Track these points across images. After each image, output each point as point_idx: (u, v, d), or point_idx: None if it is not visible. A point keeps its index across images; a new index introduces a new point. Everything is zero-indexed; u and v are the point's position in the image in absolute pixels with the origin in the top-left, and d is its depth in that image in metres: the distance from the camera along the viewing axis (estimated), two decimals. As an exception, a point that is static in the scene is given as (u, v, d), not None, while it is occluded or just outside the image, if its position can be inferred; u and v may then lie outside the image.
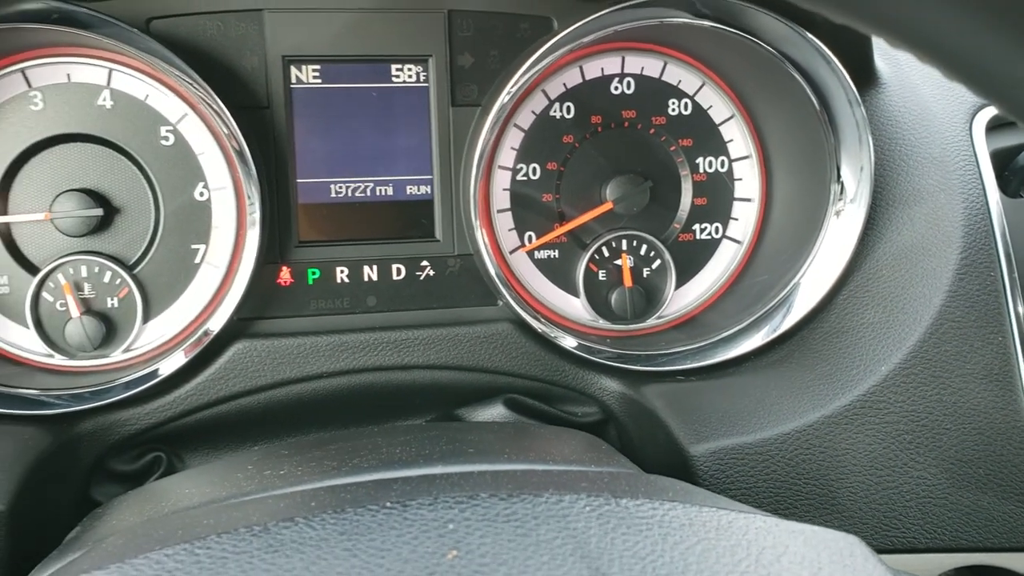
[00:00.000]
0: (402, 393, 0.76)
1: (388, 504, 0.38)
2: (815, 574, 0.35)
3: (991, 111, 0.74)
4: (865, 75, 0.74)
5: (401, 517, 0.37)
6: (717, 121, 0.80)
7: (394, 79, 0.76)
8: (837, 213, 0.74)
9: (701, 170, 0.81)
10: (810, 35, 0.70)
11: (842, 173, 0.73)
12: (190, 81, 0.68)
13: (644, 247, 0.80)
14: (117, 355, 0.73)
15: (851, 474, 0.64)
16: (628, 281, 0.80)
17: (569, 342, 0.75)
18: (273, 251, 0.75)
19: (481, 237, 0.75)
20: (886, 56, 0.75)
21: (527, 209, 0.78)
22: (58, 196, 0.71)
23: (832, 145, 0.74)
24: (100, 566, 0.36)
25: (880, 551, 0.45)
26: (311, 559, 0.34)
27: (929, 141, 0.71)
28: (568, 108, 0.78)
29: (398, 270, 0.77)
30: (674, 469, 0.67)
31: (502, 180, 0.78)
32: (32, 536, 0.62)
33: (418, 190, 0.77)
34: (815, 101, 0.73)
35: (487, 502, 0.38)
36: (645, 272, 0.81)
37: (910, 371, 0.66)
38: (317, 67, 0.74)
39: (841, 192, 0.73)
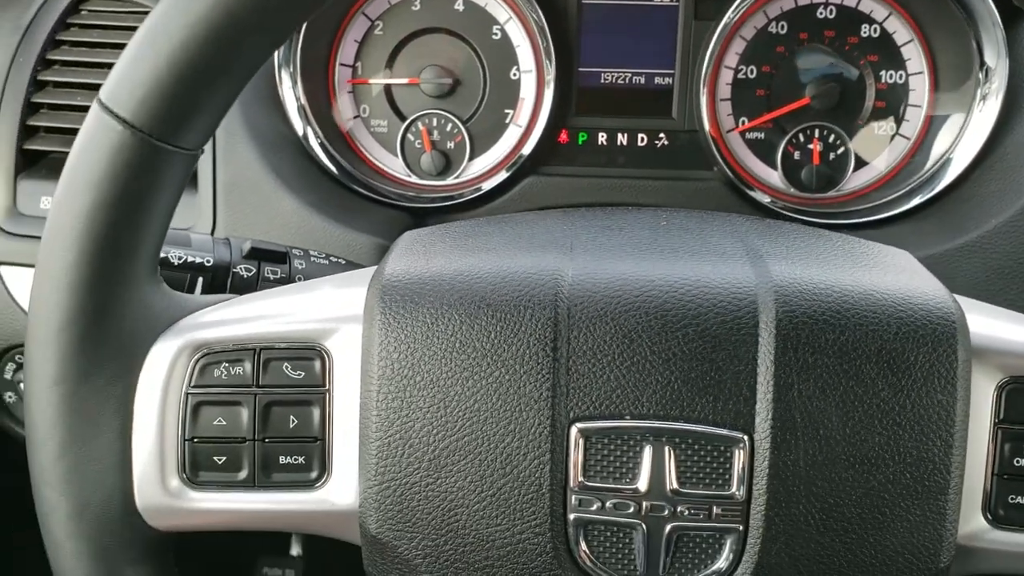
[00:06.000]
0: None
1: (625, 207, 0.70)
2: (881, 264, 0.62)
3: None
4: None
5: (636, 211, 0.69)
6: (899, 43, 1.05)
7: None
8: (984, 97, 0.97)
9: (883, 81, 1.05)
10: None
11: (986, 62, 0.97)
12: (517, -5, 1.02)
13: (832, 136, 1.06)
14: (450, 180, 1.09)
15: (958, 293, 0.88)
16: (816, 160, 1.06)
17: (762, 198, 1.03)
18: (558, 118, 1.07)
19: (706, 118, 1.04)
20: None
21: (743, 100, 1.06)
22: (423, 68, 1.07)
23: (979, 59, 0.97)
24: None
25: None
26: (563, 218, 0.67)
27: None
28: (783, 26, 1.05)
29: (642, 138, 1.08)
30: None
31: (726, 77, 1.06)
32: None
33: (663, 81, 1.07)
34: (968, 26, 0.97)
35: (693, 213, 0.69)
36: (831, 156, 1.06)
37: (1015, 225, 0.89)
38: (601, -11, 1.06)
39: (986, 78, 0.97)
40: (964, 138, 0.99)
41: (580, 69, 1.07)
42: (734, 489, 0.55)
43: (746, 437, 0.54)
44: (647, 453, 0.55)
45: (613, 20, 1.06)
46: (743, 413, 0.54)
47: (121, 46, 1.02)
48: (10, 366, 1.02)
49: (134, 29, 1.05)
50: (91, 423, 0.57)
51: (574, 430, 0.55)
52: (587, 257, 0.60)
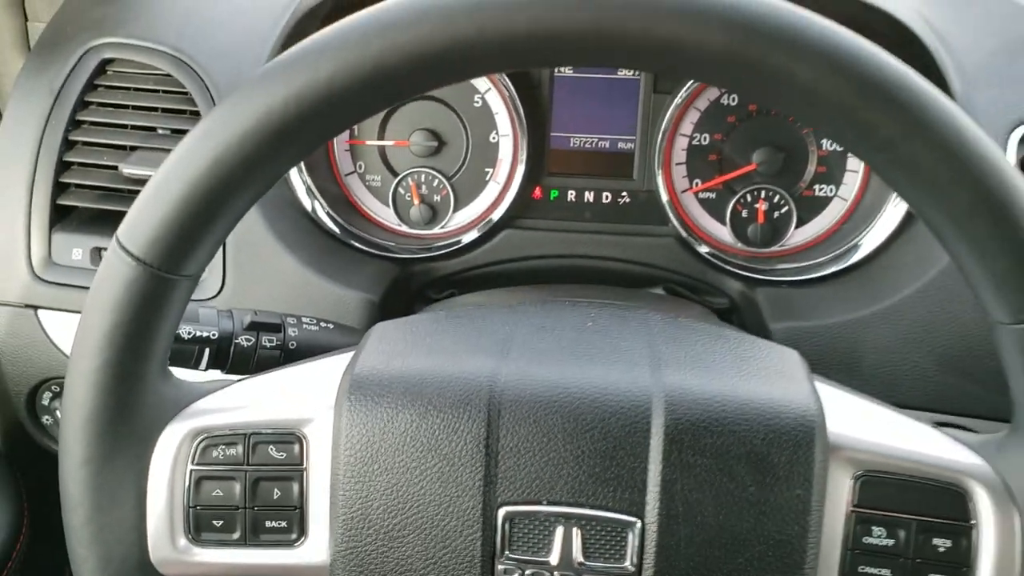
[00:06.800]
0: (597, 275, 1.19)
1: (563, 302, 0.82)
2: (762, 369, 0.75)
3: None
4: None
5: (571, 307, 0.81)
6: (840, 115, 1.15)
7: (620, 73, 1.17)
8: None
9: (824, 148, 1.16)
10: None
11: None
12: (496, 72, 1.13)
13: (777, 197, 1.17)
14: (436, 230, 1.22)
15: (870, 354, 1.01)
16: (761, 219, 1.18)
17: (706, 250, 1.15)
18: (532, 177, 1.19)
19: (662, 180, 1.16)
20: (959, 72, 1.06)
21: (697, 164, 1.18)
22: (413, 131, 1.19)
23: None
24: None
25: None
26: (507, 317, 0.79)
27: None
28: (734, 99, 1.16)
29: (606, 196, 1.19)
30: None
31: (681, 143, 1.17)
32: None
33: (625, 145, 1.18)
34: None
35: (616, 313, 0.81)
36: (775, 214, 1.18)
37: (923, 295, 1.01)
38: (571, 61, 1.17)
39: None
40: (881, 219, 1.10)
41: (552, 134, 1.19)
42: (627, 563, 0.68)
43: (638, 521, 0.68)
44: (559, 532, 0.68)
45: (581, 91, 1.18)
46: (636, 502, 0.68)
47: (141, 108, 1.16)
48: (47, 394, 1.17)
49: (154, 91, 1.18)
50: (113, 495, 0.71)
51: (501, 512, 0.68)
52: (519, 362, 0.73)
